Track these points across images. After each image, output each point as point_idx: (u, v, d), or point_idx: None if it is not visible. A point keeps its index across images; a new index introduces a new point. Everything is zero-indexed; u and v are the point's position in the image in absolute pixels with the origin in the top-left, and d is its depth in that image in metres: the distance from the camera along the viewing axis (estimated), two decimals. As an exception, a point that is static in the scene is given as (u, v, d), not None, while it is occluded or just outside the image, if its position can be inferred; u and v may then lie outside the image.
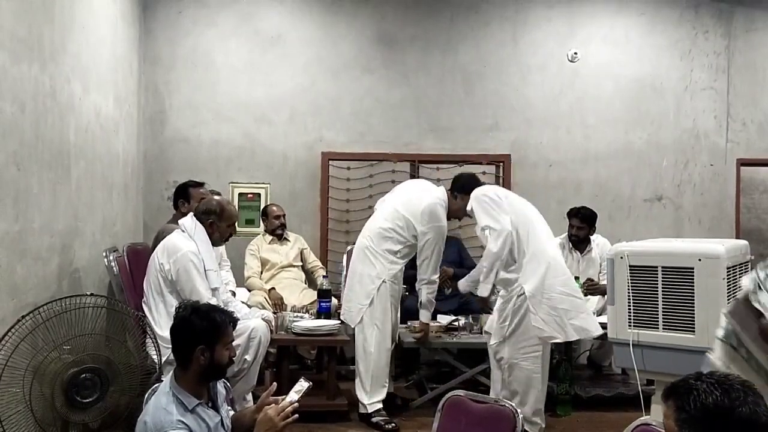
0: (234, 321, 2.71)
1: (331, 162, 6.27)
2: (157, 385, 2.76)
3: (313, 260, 5.93)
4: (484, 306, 4.21)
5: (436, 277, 4.62)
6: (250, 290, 5.51)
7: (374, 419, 4.44)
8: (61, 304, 3.30)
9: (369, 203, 5.74)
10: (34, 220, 3.57)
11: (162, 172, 6.16)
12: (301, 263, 5.86)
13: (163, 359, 3.72)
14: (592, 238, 5.53)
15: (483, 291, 4.14)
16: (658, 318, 3.45)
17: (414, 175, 6.22)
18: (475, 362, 4.87)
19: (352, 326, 4.59)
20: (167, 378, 2.64)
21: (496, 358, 4.25)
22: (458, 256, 5.77)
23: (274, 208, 5.89)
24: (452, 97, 6.44)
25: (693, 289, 3.37)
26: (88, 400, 3.29)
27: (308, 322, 4.64)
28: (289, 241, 5.85)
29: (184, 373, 2.56)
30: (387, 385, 4.58)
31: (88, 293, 3.50)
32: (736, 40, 6.66)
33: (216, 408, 2.63)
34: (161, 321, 3.90)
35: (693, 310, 3.36)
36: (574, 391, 4.88)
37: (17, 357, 3.08)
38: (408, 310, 4.98)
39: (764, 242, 7.22)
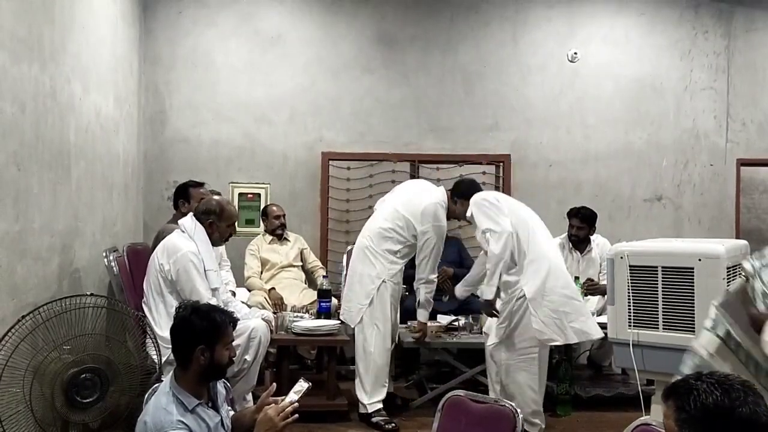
0: (234, 321, 2.71)
1: (331, 162, 6.27)
2: (157, 385, 2.77)
3: (313, 260, 5.93)
4: (490, 309, 4.19)
5: (434, 276, 4.63)
6: (250, 290, 5.51)
7: (374, 419, 4.44)
8: (61, 304, 3.30)
9: (369, 203, 5.74)
10: (34, 220, 3.57)
11: (162, 172, 6.16)
12: (301, 263, 5.86)
13: (163, 359, 3.73)
14: (592, 238, 5.53)
15: (487, 294, 4.14)
16: (658, 318, 3.45)
17: (414, 175, 6.22)
18: (475, 362, 4.86)
19: (352, 326, 4.60)
20: (167, 378, 2.64)
21: (493, 360, 4.27)
22: (458, 256, 5.77)
23: (274, 208, 5.89)
24: (452, 97, 6.44)
25: (693, 289, 3.37)
26: (88, 400, 3.29)
27: (308, 322, 4.64)
28: (289, 241, 5.86)
29: (184, 373, 2.56)
30: (387, 385, 4.59)
31: (88, 293, 3.50)
32: (736, 40, 6.66)
33: (216, 408, 2.63)
34: (161, 321, 3.90)
35: (693, 310, 3.36)
36: (574, 391, 4.88)
37: (17, 357, 3.09)
38: (408, 310, 4.98)
39: (764, 242, 7.11)
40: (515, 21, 6.49)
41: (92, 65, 4.53)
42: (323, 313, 4.87)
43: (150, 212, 6.10)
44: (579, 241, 5.48)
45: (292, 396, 2.58)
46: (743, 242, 3.83)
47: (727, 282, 3.34)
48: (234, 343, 2.72)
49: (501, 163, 6.44)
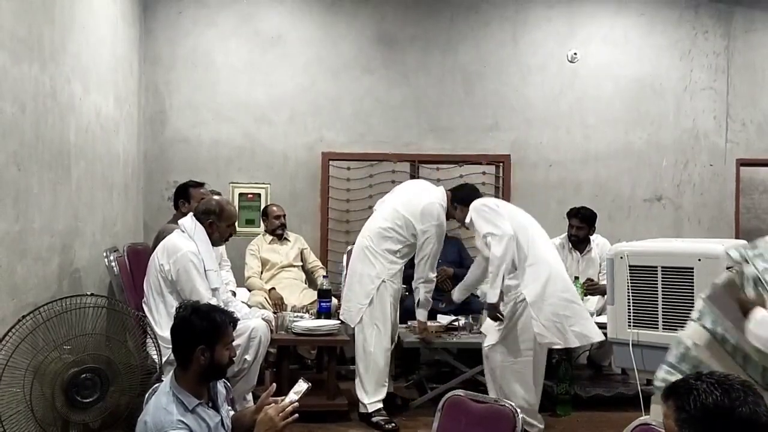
0: (234, 321, 2.71)
1: (331, 162, 6.27)
2: (157, 385, 2.77)
3: (313, 260, 5.93)
4: (494, 312, 4.19)
5: (433, 275, 4.65)
6: (250, 290, 5.51)
7: (374, 419, 4.45)
8: (61, 304, 3.30)
9: (369, 203, 5.74)
10: (34, 220, 3.57)
11: (162, 172, 6.16)
12: (301, 263, 5.86)
13: (164, 359, 3.73)
14: (591, 238, 5.53)
15: (491, 297, 4.14)
16: (657, 318, 3.45)
17: (414, 175, 6.22)
18: (475, 362, 4.86)
19: (352, 326, 4.60)
20: (167, 378, 2.64)
21: (488, 361, 4.28)
22: (458, 256, 5.77)
23: (275, 208, 5.89)
24: (452, 97, 6.44)
25: (693, 289, 3.37)
26: (88, 400, 3.29)
27: (308, 322, 4.64)
28: (289, 241, 5.86)
29: (185, 373, 2.56)
30: (387, 384, 4.59)
31: (89, 293, 3.50)
32: (736, 41, 6.66)
33: (216, 408, 2.63)
34: (161, 321, 3.90)
35: (693, 310, 3.36)
36: (574, 391, 4.88)
37: (18, 357, 3.09)
38: (408, 310, 4.98)
39: (764, 242, 7.20)
40: (515, 21, 6.49)
41: (92, 65, 4.53)
42: (323, 313, 4.87)
43: (150, 212, 6.11)
44: (579, 241, 5.48)
45: (292, 396, 2.58)
46: (743, 242, 3.82)
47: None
48: (234, 343, 2.72)
49: (501, 164, 6.45)
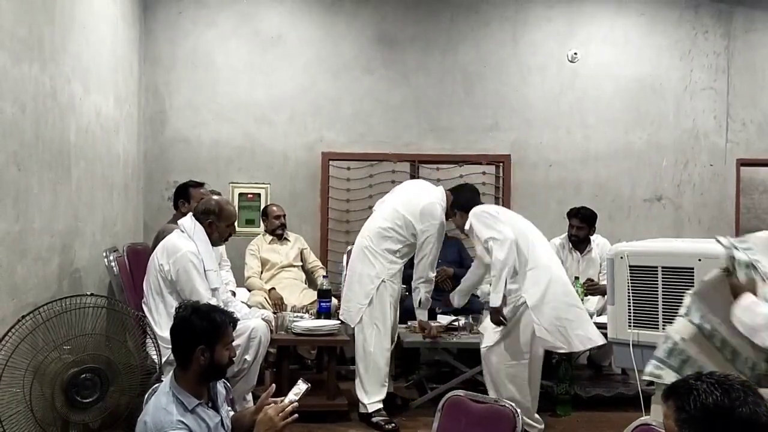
0: (234, 321, 2.71)
1: (331, 162, 6.27)
2: (157, 385, 2.77)
3: (313, 260, 5.93)
4: (498, 316, 4.18)
5: (433, 275, 4.66)
6: (250, 290, 5.51)
7: (374, 419, 4.44)
8: (61, 304, 3.30)
9: (369, 203, 5.74)
10: (34, 220, 3.57)
11: (162, 173, 6.16)
12: (301, 263, 5.86)
13: (163, 359, 3.73)
14: (592, 238, 5.53)
15: (495, 301, 4.14)
16: (658, 318, 3.45)
17: (414, 175, 6.22)
18: (475, 362, 4.85)
19: (352, 326, 4.60)
20: (167, 378, 2.64)
21: (485, 362, 4.29)
22: (458, 256, 5.77)
23: (275, 208, 5.89)
24: (452, 97, 6.44)
25: (693, 290, 3.36)
26: (88, 400, 3.29)
27: (308, 322, 4.64)
28: (289, 241, 5.86)
29: (184, 373, 2.56)
30: (387, 385, 4.58)
31: (89, 293, 3.50)
32: (736, 41, 6.66)
33: (216, 408, 2.63)
34: (161, 321, 3.90)
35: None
36: (574, 391, 4.88)
37: (17, 357, 3.09)
38: (408, 310, 4.98)
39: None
40: (515, 21, 6.49)
41: (92, 65, 4.53)
42: (323, 313, 4.87)
43: (150, 212, 6.11)
44: (579, 241, 5.48)
45: (291, 397, 2.58)
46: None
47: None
48: (234, 343, 2.72)
49: (501, 163, 6.44)
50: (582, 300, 4.74)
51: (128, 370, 3.42)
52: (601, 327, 4.18)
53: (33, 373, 3.15)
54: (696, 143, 6.65)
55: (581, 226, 5.45)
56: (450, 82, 6.44)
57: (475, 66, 6.45)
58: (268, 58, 6.28)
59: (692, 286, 3.36)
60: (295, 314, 4.82)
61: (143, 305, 4.03)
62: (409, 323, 4.95)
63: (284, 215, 5.86)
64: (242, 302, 4.62)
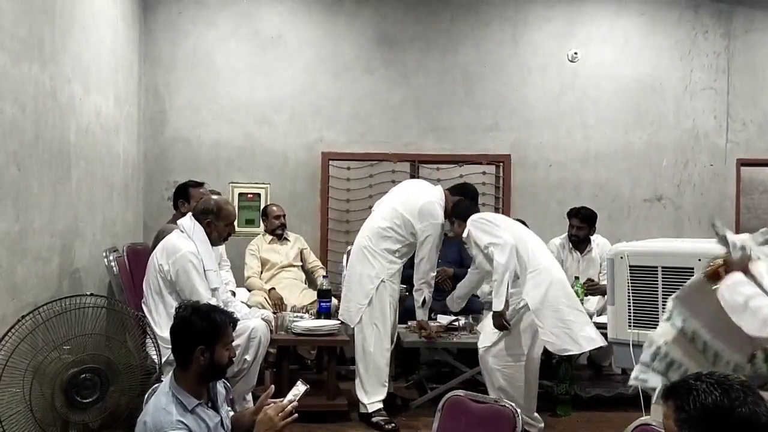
0: (234, 321, 2.71)
1: (331, 162, 6.27)
2: (157, 385, 2.77)
3: (313, 260, 5.93)
4: (500, 320, 4.18)
5: (434, 275, 4.67)
6: (250, 290, 5.51)
7: (374, 419, 4.44)
8: (61, 304, 3.30)
9: (369, 203, 5.73)
10: (34, 220, 3.57)
11: (162, 173, 6.16)
12: (301, 263, 5.86)
13: (163, 359, 3.73)
14: (592, 238, 5.53)
15: (497, 305, 4.15)
16: (658, 318, 3.44)
17: (414, 175, 6.22)
18: (475, 362, 4.84)
19: (351, 326, 4.60)
20: (167, 378, 2.64)
21: (481, 362, 4.30)
22: (458, 256, 5.77)
23: (274, 208, 5.89)
24: (452, 97, 6.44)
25: (693, 290, 3.36)
26: (88, 400, 3.29)
27: (308, 322, 4.64)
28: (289, 241, 5.86)
29: (184, 373, 2.56)
30: (387, 385, 4.59)
31: (88, 293, 3.50)
32: (736, 41, 6.66)
33: (216, 408, 2.63)
34: (161, 321, 3.90)
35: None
36: (574, 391, 4.88)
37: (17, 357, 3.09)
38: (408, 310, 4.98)
39: (764, 242, 7.20)
40: (515, 21, 6.49)
41: (92, 66, 4.53)
42: (323, 313, 4.87)
43: (150, 212, 6.11)
44: (579, 241, 5.48)
45: (290, 398, 2.58)
46: (743, 236, 3.82)
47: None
48: (234, 343, 2.72)
49: (501, 163, 6.44)
50: (582, 300, 4.74)
51: (128, 370, 3.42)
52: (601, 327, 4.18)
53: (33, 373, 3.15)
54: (696, 143, 6.65)
55: (581, 226, 5.45)
56: (450, 82, 6.44)
57: (475, 66, 6.45)
58: (268, 59, 6.28)
59: (692, 286, 3.37)
60: (295, 314, 4.82)
61: (143, 305, 4.03)
62: (408, 323, 4.95)
63: (284, 215, 5.85)
64: (242, 302, 4.61)
